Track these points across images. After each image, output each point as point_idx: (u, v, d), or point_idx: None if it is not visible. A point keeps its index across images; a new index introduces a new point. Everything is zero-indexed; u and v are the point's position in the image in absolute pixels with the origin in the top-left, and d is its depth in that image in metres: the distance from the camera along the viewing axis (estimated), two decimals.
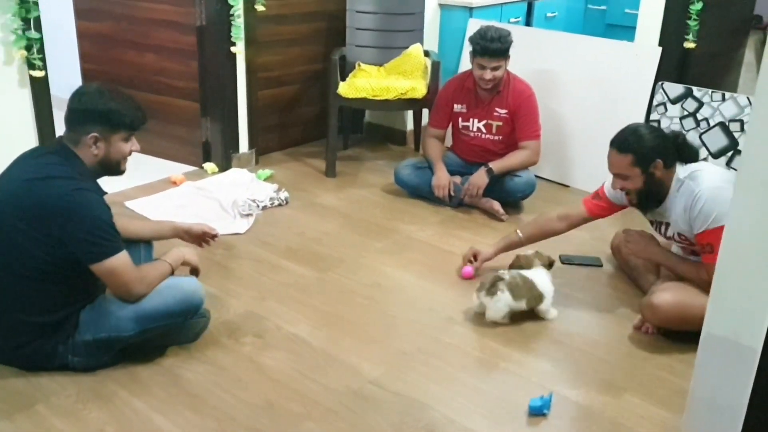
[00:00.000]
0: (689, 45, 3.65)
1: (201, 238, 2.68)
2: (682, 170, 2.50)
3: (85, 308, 2.21)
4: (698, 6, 3.58)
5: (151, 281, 2.23)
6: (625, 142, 2.50)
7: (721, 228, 2.18)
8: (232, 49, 3.77)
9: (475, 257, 2.96)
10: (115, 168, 2.25)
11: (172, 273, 2.33)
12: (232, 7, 3.68)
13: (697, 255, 2.56)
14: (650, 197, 2.56)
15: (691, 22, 3.62)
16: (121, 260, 2.14)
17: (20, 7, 2.93)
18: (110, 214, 2.15)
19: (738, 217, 1.39)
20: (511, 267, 2.75)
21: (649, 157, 2.46)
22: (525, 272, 2.66)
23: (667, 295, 2.47)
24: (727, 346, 1.43)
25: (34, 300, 2.14)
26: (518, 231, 2.93)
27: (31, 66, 3.05)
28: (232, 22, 3.71)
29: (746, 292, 1.38)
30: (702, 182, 2.43)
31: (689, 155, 2.51)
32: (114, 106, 2.16)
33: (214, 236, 2.70)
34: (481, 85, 3.56)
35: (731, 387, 1.44)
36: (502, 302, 2.56)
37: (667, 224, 2.62)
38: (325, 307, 2.71)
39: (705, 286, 2.10)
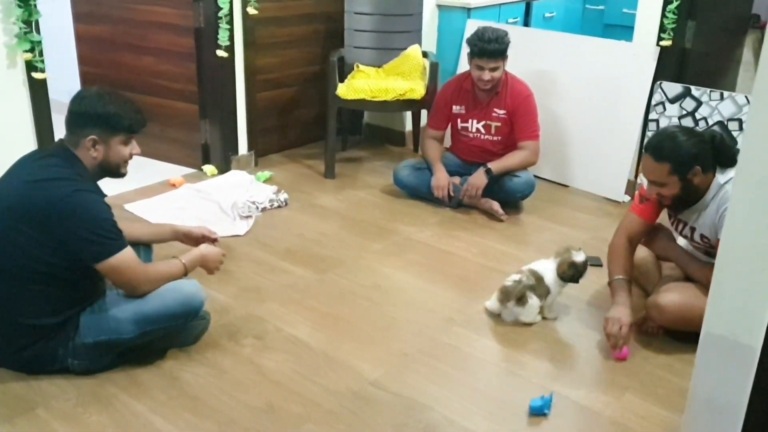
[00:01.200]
0: (665, 43, 3.64)
1: (201, 241, 2.68)
2: (721, 175, 2.41)
3: (86, 311, 2.21)
4: (674, 4, 3.58)
5: (158, 277, 2.24)
6: (662, 150, 2.37)
7: None
8: (219, 52, 3.74)
9: (622, 328, 2.43)
10: (114, 171, 2.26)
11: (186, 274, 2.33)
12: (221, 9, 3.67)
13: (710, 255, 2.52)
14: (685, 201, 2.47)
15: (667, 20, 3.62)
16: (126, 257, 2.15)
17: (24, 9, 2.95)
18: (111, 212, 2.16)
19: (736, 216, 1.39)
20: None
21: (687, 164, 2.35)
22: (534, 267, 2.67)
23: (674, 296, 2.46)
24: (726, 345, 1.43)
25: (35, 303, 2.14)
26: (620, 277, 2.57)
27: (33, 68, 3.05)
28: (220, 26, 3.70)
29: (745, 290, 1.38)
30: None
31: (727, 158, 2.39)
32: (112, 109, 2.17)
33: (214, 240, 2.70)
34: (479, 86, 3.56)
35: (731, 386, 1.44)
36: (535, 306, 2.61)
37: (685, 223, 2.56)
38: (324, 308, 2.71)
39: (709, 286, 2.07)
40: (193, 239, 2.67)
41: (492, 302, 2.69)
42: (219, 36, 3.71)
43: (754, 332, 1.36)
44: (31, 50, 3.02)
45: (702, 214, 2.46)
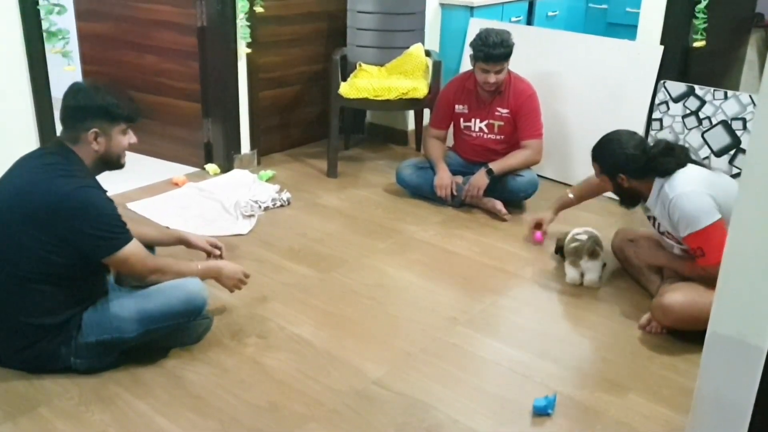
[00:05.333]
0: (699, 44, 3.61)
1: (203, 252, 2.66)
2: (663, 178, 2.54)
3: (88, 310, 2.20)
4: (703, 4, 3.54)
5: (166, 269, 2.27)
6: (595, 150, 2.70)
7: (705, 230, 2.34)
8: (241, 49, 3.77)
9: (539, 225, 3.21)
10: (115, 162, 2.25)
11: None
12: (240, 7, 3.71)
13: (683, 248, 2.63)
14: (627, 199, 2.72)
15: (697, 20, 3.59)
16: (133, 249, 2.17)
17: (53, 5, 2.99)
18: (115, 206, 2.17)
19: (743, 216, 1.38)
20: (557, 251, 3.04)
21: (611, 169, 2.64)
22: (587, 229, 2.93)
23: (678, 296, 2.46)
24: (732, 345, 1.42)
25: (38, 302, 2.13)
26: (569, 193, 3.15)
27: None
28: (241, 23, 3.72)
29: (751, 290, 1.37)
30: (675, 188, 2.48)
31: (662, 169, 2.53)
32: (110, 99, 2.18)
33: (219, 256, 2.67)
34: (484, 88, 3.55)
35: (737, 386, 1.43)
36: (601, 262, 2.86)
37: (653, 218, 2.69)
38: (327, 307, 2.71)
39: (709, 282, 2.14)
40: (194, 248, 2.65)
41: (570, 272, 2.86)
42: (241, 34, 3.74)
43: (760, 332, 1.35)
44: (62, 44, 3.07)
45: (655, 211, 2.62)
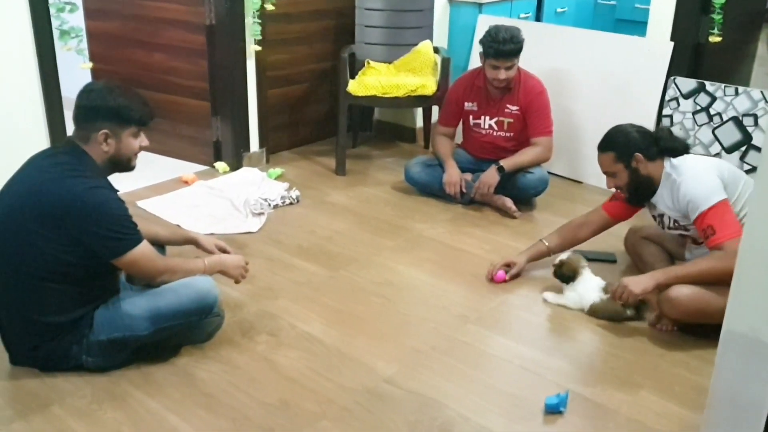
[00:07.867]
0: (715, 39, 3.58)
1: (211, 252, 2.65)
2: (668, 164, 2.60)
3: (100, 308, 2.21)
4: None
5: (176, 269, 2.27)
6: (605, 141, 2.67)
7: (715, 207, 2.37)
8: (251, 47, 3.78)
9: (509, 266, 2.93)
10: (125, 164, 2.25)
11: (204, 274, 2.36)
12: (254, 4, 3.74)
13: (697, 242, 2.67)
14: (640, 191, 2.66)
15: (715, 16, 3.56)
16: (143, 250, 2.17)
17: (65, 3, 3.01)
18: (125, 207, 2.17)
19: (758, 212, 1.38)
20: (556, 275, 2.78)
21: (628, 151, 2.59)
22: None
23: (685, 288, 2.45)
24: (747, 343, 1.41)
25: (49, 301, 2.14)
26: (544, 240, 2.95)
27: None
28: (249, 21, 3.74)
29: (766, 287, 1.36)
30: (682, 171, 2.54)
31: (670, 147, 2.59)
32: (123, 102, 2.17)
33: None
34: (494, 85, 3.54)
35: (752, 384, 1.42)
36: None
37: (660, 215, 2.70)
38: (337, 305, 2.71)
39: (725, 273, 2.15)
40: (203, 249, 2.66)
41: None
42: (252, 31, 3.77)
43: None
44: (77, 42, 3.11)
45: (661, 201, 2.63)
